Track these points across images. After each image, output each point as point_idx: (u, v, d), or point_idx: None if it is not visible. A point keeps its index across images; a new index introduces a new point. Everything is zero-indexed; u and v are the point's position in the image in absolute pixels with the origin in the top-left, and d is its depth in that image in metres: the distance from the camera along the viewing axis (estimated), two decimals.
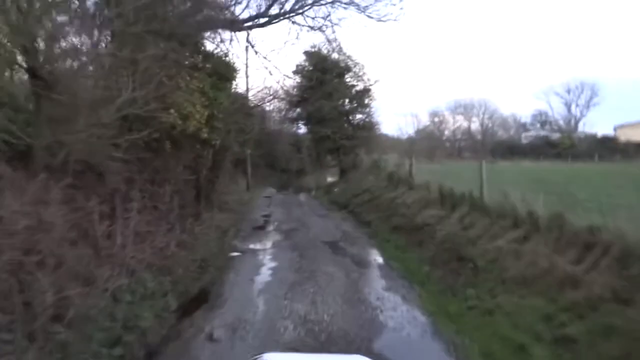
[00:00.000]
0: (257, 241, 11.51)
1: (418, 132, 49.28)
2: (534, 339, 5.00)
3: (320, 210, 17.81)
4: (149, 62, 5.55)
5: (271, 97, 18.26)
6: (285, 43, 12.00)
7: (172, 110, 6.70)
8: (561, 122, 50.90)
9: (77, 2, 5.71)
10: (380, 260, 9.57)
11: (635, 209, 6.48)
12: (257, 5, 11.18)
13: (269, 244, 11.17)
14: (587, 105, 49.87)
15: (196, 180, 11.76)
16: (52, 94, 4.70)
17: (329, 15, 11.53)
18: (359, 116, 26.95)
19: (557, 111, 51.37)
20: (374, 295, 7.18)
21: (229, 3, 10.63)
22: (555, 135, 46.43)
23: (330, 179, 27.10)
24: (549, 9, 70.90)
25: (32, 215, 4.52)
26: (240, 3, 10.85)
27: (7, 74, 5.56)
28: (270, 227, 13.87)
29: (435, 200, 11.60)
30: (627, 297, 4.70)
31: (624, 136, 42.02)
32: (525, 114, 62.81)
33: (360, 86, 26.29)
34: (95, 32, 5.51)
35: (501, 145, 44.60)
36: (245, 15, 11.13)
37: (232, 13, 10.77)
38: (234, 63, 11.40)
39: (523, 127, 52.36)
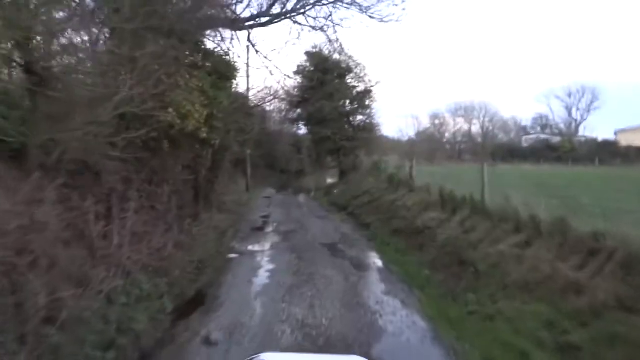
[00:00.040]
0: (255, 243, 11.40)
1: (418, 134, 49.18)
2: (537, 346, 4.90)
3: (320, 212, 17.71)
4: (147, 59, 5.45)
5: (272, 97, 18.17)
6: (286, 43, 11.93)
7: (170, 109, 6.59)
8: (562, 126, 50.92)
9: None
10: (379, 263, 9.46)
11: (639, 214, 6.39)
12: (258, 5, 11.11)
13: (267, 246, 11.06)
14: (588, 109, 49.89)
15: (195, 180, 11.66)
16: (47, 91, 4.61)
17: (330, 15, 11.47)
18: (359, 117, 26.87)
19: (557, 115, 51.40)
20: (373, 299, 7.08)
21: (230, 1, 10.55)
22: (556, 139, 46.38)
23: (330, 180, 27.00)
24: (550, 12, 70.83)
25: (25, 215, 4.42)
26: (241, 2, 10.78)
27: (2, 69, 5.46)
28: (269, 229, 13.77)
29: (436, 203, 11.50)
30: (632, 304, 4.61)
31: (624, 140, 41.96)
32: (526, 117, 62.90)
33: (361, 87, 26.22)
34: (93, 29, 5.41)
35: (501, 148, 44.49)
36: (246, 14, 11.07)
37: (234, 12, 10.69)
38: (234, 62, 11.31)
39: (524, 130, 52.35)
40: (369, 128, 26.96)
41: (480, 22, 71.37)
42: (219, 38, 10.12)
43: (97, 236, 6.02)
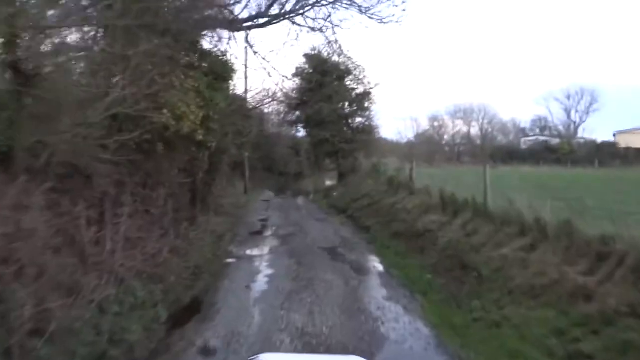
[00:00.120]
0: (253, 247, 11.20)
1: (417, 136, 49.13)
2: (546, 355, 4.71)
3: (319, 215, 17.52)
4: (140, 58, 5.26)
5: (270, 99, 18.03)
6: (284, 44, 11.75)
7: (165, 110, 6.40)
8: (561, 128, 50.87)
9: None
10: (380, 267, 9.27)
11: None
12: (257, 5, 10.93)
13: (265, 250, 10.86)
14: (587, 111, 49.88)
15: (192, 183, 11.46)
16: (34, 91, 4.42)
17: (329, 16, 11.29)
18: (358, 120, 26.72)
19: (556, 117, 51.36)
20: (375, 305, 6.89)
21: (228, 2, 10.38)
22: (555, 141, 46.34)
23: (328, 183, 26.82)
24: (549, 14, 70.98)
25: (10, 221, 4.22)
26: (239, 2, 10.60)
27: None
28: (268, 232, 13.57)
29: (436, 205, 11.33)
30: None
31: (624, 142, 41.95)
32: (524, 119, 62.96)
33: (360, 89, 26.07)
34: (85, 27, 5.23)
35: (500, 150, 44.41)
36: (244, 15, 10.89)
37: (231, 12, 10.52)
38: (232, 64, 11.15)
39: (522, 132, 52.31)
40: (368, 130, 26.80)
41: (480, 24, 71.48)
42: (216, 38, 9.96)
43: (88, 242, 5.82)
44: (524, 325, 5.29)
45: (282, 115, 29.16)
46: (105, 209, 6.54)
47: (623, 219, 5.96)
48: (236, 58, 11.23)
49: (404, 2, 11.16)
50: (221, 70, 9.94)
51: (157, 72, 5.80)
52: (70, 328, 4.59)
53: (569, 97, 49.97)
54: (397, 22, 11.41)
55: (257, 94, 16.63)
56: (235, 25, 10.60)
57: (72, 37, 5.29)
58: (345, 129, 26.01)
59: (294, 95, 25.41)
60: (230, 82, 11.15)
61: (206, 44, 9.87)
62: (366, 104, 26.21)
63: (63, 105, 4.78)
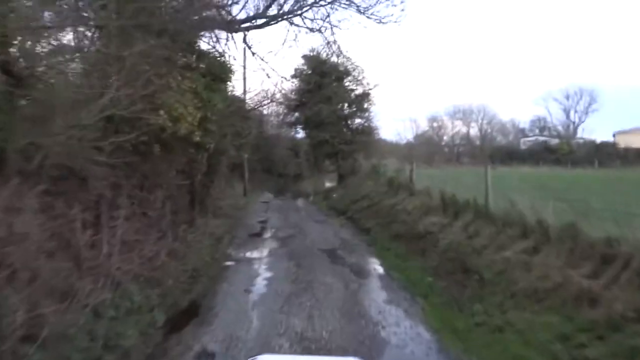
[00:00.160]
0: (252, 249, 11.10)
1: (417, 137, 49.15)
2: None
3: (318, 216, 17.42)
4: (136, 59, 5.15)
5: (269, 100, 17.93)
6: (283, 44, 11.64)
7: (161, 112, 6.30)
8: (560, 128, 50.93)
9: None
10: (380, 270, 9.17)
11: None
12: (254, 6, 10.83)
13: (264, 252, 10.76)
14: (586, 112, 49.96)
15: (190, 185, 11.37)
16: (27, 92, 4.32)
17: (328, 16, 11.19)
18: (357, 121, 26.63)
19: (555, 117, 51.44)
20: (375, 308, 6.78)
21: (225, 2, 10.28)
22: (554, 141, 46.37)
23: (328, 184, 26.73)
24: (548, 15, 71.03)
25: (2, 224, 4.11)
26: (237, 3, 10.50)
27: None
28: (267, 234, 13.47)
29: (437, 207, 11.23)
30: None
31: (623, 142, 41.99)
32: (524, 120, 63.01)
33: (359, 90, 25.98)
34: (78, 26, 5.12)
35: (500, 151, 44.43)
36: (242, 15, 10.78)
37: (229, 13, 10.42)
38: (230, 65, 11.05)
39: (522, 132, 52.35)
40: (368, 131, 26.72)
41: (479, 25, 71.53)
42: (214, 39, 9.86)
43: (84, 245, 5.70)
44: (527, 330, 5.19)
45: (281, 117, 29.10)
46: (101, 211, 6.44)
47: (627, 220, 5.85)
48: (234, 59, 11.15)
49: (402, 2, 11.08)
50: (219, 71, 9.83)
51: (153, 73, 5.69)
52: (63, 333, 4.49)
53: (567, 98, 50.07)
54: (395, 22, 11.32)
55: (255, 95, 16.54)
56: (233, 26, 10.49)
57: (66, 37, 5.20)
58: (344, 130, 25.93)
59: (292, 96, 25.34)
60: (228, 83, 11.05)
61: (204, 44, 9.79)
62: (365, 105, 26.13)
63: (56, 107, 4.68)
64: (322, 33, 11.42)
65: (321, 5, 11.29)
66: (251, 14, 10.91)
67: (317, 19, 11.22)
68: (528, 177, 20.27)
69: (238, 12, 10.66)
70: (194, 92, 7.58)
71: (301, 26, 11.32)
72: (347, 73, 25.58)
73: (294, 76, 25.30)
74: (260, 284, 8.06)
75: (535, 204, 7.60)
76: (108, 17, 4.89)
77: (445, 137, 51.15)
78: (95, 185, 5.83)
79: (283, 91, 18.09)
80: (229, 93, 12.46)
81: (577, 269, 5.62)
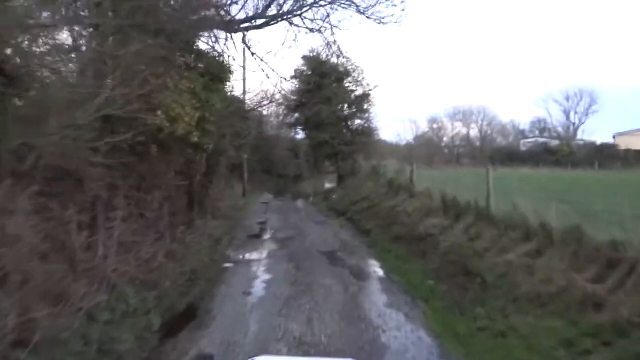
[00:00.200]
0: (251, 250, 10.99)
1: (417, 138, 49.12)
2: None
3: (318, 218, 17.32)
4: (132, 58, 5.06)
5: (268, 101, 17.84)
6: (283, 44, 11.55)
7: (158, 112, 6.20)
8: (560, 130, 50.91)
9: None
10: (380, 272, 9.06)
11: None
12: (254, 6, 10.74)
13: (264, 254, 10.65)
14: (586, 113, 49.93)
15: (189, 186, 11.27)
16: (20, 92, 4.22)
17: (328, 16, 11.10)
18: (357, 122, 26.56)
19: (556, 118, 51.42)
20: (375, 312, 6.68)
21: (224, 2, 10.19)
22: (554, 143, 46.33)
23: (328, 185, 26.64)
24: (548, 16, 71.01)
25: None
26: (236, 3, 10.40)
27: None
28: (266, 236, 13.36)
29: (437, 208, 11.14)
30: None
31: (623, 144, 41.90)
32: (524, 121, 63.01)
33: (359, 91, 25.92)
34: (74, 25, 5.02)
35: (500, 152, 44.38)
36: (241, 15, 10.69)
37: (228, 13, 10.32)
38: (230, 66, 10.95)
39: (522, 134, 52.32)
40: (367, 132, 26.65)
41: (479, 26, 71.45)
42: (213, 39, 9.76)
43: (79, 247, 5.60)
44: (531, 335, 5.08)
45: (281, 118, 29.04)
46: (98, 213, 6.34)
47: (633, 223, 5.75)
48: (234, 59, 11.04)
49: (402, 2, 11.00)
50: (218, 71, 9.73)
51: (150, 73, 5.59)
52: (56, 338, 4.38)
53: (568, 99, 50.05)
54: (396, 22, 11.23)
55: (255, 95, 16.43)
56: (232, 26, 10.40)
57: (62, 36, 5.10)
58: (344, 131, 25.86)
59: (292, 97, 25.26)
60: (227, 83, 10.93)
61: (203, 44, 9.69)
62: (365, 106, 26.06)
63: (51, 106, 4.58)
64: (322, 34, 11.35)
65: (321, 6, 11.21)
66: (250, 14, 10.83)
67: (317, 19, 11.14)
68: (528, 178, 20.17)
69: (237, 12, 10.58)
70: (192, 92, 7.48)
71: (301, 27, 11.24)
72: (347, 74, 25.52)
73: (293, 77, 25.25)
74: (259, 287, 7.96)
75: (537, 206, 7.51)
76: (104, 16, 4.79)
77: (445, 139, 51.16)
78: (91, 187, 5.73)
79: (283, 92, 18.00)
80: (228, 93, 12.37)
81: (581, 272, 5.52)
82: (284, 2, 10.83)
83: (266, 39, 12.24)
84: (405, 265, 9.25)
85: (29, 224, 4.59)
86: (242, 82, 16.55)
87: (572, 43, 71.75)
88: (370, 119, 26.74)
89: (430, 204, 11.75)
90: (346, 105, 25.99)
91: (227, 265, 9.56)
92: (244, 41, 11.07)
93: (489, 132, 51.48)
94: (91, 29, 5.37)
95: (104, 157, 5.52)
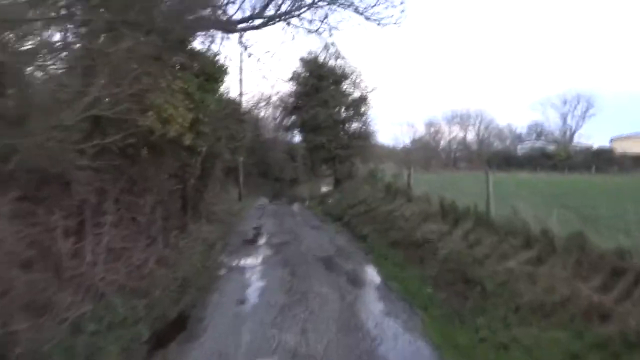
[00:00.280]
0: (246, 256, 10.76)
1: (414, 142, 49.07)
2: None
3: (314, 222, 17.11)
4: (122, 56, 4.85)
5: (265, 102, 17.67)
6: (281, 44, 11.42)
7: (150, 113, 5.99)
8: (557, 134, 50.98)
9: None
10: (377, 279, 8.86)
11: None
12: (251, 6, 10.58)
13: (258, 260, 10.43)
14: (583, 117, 50.08)
15: (183, 189, 11.07)
16: (2, 89, 4.02)
17: (326, 16, 10.98)
18: (355, 125, 26.46)
19: (553, 122, 51.52)
20: (372, 321, 6.47)
21: (222, 2, 10.02)
22: (551, 147, 46.39)
23: (324, 189, 26.47)
24: (546, 20, 71.25)
25: None
26: (233, 2, 10.23)
27: None
28: (261, 241, 13.13)
29: (435, 213, 10.96)
30: None
31: (620, 148, 42.02)
32: (521, 125, 63.10)
33: (356, 94, 25.84)
34: (61, 21, 4.82)
35: (497, 156, 44.38)
36: (238, 15, 10.52)
37: (225, 12, 10.15)
38: (226, 67, 10.76)
39: (519, 138, 52.37)
40: (365, 136, 26.53)
41: (477, 30, 71.66)
42: (209, 39, 9.58)
43: (65, 254, 5.39)
44: (534, 347, 4.89)
45: (277, 120, 28.87)
46: (85, 217, 6.12)
47: (638, 229, 5.58)
48: (230, 60, 10.87)
49: (402, 3, 10.88)
50: (213, 71, 9.53)
51: (142, 71, 5.38)
52: (39, 351, 4.17)
53: (565, 103, 50.20)
54: (395, 23, 11.13)
55: (251, 97, 16.28)
56: (229, 26, 10.24)
57: (47, 32, 4.89)
58: (341, 134, 25.72)
59: (289, 99, 25.12)
60: (222, 83, 10.74)
61: (198, 44, 9.49)
62: (362, 109, 25.97)
63: (35, 105, 4.37)
64: (320, 34, 11.21)
65: (319, 6, 11.08)
66: (248, 14, 10.67)
67: (315, 20, 11.01)
68: (526, 182, 20.01)
69: (234, 12, 10.41)
70: (185, 93, 7.27)
71: (299, 27, 11.10)
72: (344, 76, 25.41)
73: (290, 79, 25.11)
74: (252, 295, 7.73)
75: (537, 211, 7.34)
76: (92, 12, 4.59)
77: (442, 142, 51.15)
78: (78, 190, 5.51)
79: (279, 93, 17.83)
80: (225, 95, 12.19)
81: (585, 281, 5.34)
82: (282, 2, 10.70)
83: (264, 39, 12.08)
84: (403, 272, 9.04)
85: (11, 230, 4.37)
86: (238, 83, 16.37)
87: (569, 47, 72.10)
88: (368, 122, 26.68)
89: (428, 209, 11.57)
90: (343, 108, 25.87)
91: (221, 271, 9.33)
92: (240, 41, 10.91)
93: (486, 135, 51.53)
94: (80, 25, 5.16)
95: (92, 159, 5.30)
